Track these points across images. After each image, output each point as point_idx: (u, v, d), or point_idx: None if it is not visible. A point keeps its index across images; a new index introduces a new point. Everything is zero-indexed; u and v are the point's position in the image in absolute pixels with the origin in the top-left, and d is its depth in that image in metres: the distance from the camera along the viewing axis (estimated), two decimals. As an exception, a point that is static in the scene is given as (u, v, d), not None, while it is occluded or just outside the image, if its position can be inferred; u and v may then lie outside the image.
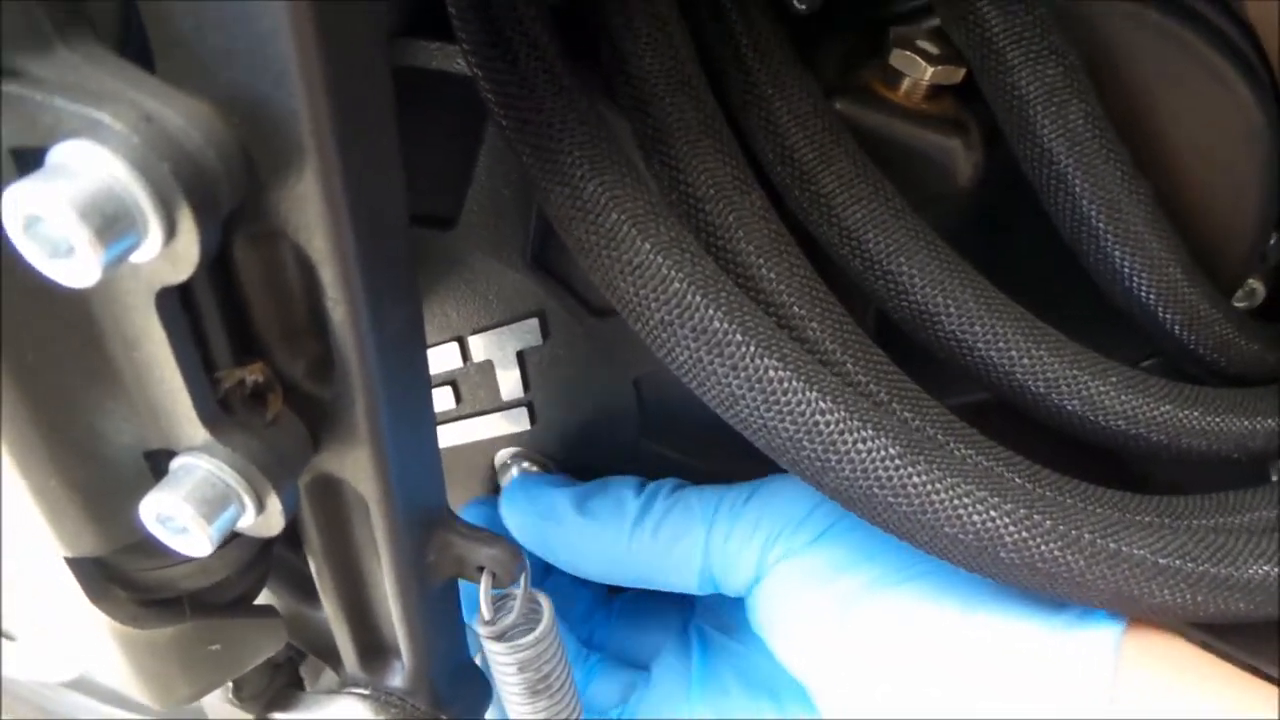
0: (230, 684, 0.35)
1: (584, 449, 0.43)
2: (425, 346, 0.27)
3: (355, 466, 0.26)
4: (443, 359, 0.41)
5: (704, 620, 0.42)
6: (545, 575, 0.43)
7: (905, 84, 0.36)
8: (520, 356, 0.40)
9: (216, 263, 0.22)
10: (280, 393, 0.24)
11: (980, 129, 0.36)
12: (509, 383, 0.41)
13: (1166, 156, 0.38)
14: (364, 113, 0.20)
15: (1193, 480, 0.42)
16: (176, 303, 0.21)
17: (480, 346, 0.40)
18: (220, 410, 0.23)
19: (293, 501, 0.24)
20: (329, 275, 0.21)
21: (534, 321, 0.39)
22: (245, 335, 0.24)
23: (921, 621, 0.33)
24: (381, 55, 0.20)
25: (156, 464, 0.24)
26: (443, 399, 0.43)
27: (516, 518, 0.41)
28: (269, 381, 0.24)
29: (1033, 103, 0.34)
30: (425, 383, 0.27)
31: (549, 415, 0.42)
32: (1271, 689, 0.31)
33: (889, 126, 0.35)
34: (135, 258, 0.18)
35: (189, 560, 0.27)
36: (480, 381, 0.42)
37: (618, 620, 0.45)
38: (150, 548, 0.25)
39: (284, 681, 0.37)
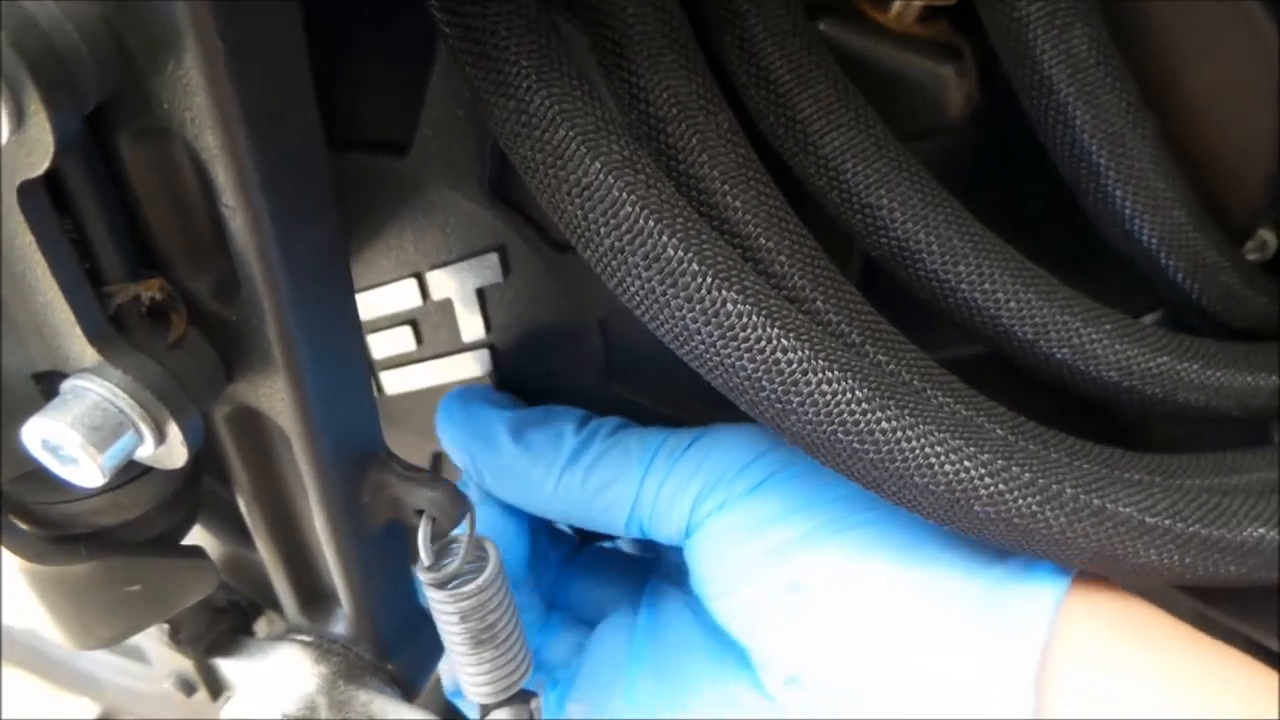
0: (167, 626, 0.34)
1: (549, 393, 0.41)
2: (348, 270, 0.25)
3: (271, 396, 0.24)
4: (401, 297, 0.39)
5: (663, 575, 0.41)
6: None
7: (895, 5, 0.33)
8: (481, 294, 0.38)
9: (102, 163, 0.20)
10: (184, 312, 0.22)
11: (976, 57, 0.34)
12: (470, 323, 0.39)
13: (1178, 94, 0.35)
14: (253, -10, 0.18)
15: (1193, 441, 0.40)
16: (44, 201, 0.18)
17: (439, 283, 0.38)
18: (112, 329, 0.21)
19: (197, 431, 0.22)
20: (222, 177, 0.19)
21: (494, 256, 0.36)
22: (142, 247, 0.22)
23: (854, 575, 0.31)
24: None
25: (48, 387, 0.22)
26: (403, 340, 0.41)
27: (450, 433, 0.38)
28: (170, 299, 0.22)
29: (1033, 25, 0.31)
30: (350, 309, 0.25)
31: (512, 358, 0.40)
32: (1222, 649, 0.30)
33: (875, 50, 0.33)
34: (-19, 144, 0.16)
35: (97, 493, 0.25)
36: (441, 321, 0.40)
37: (582, 576, 0.43)
38: (52, 479, 0.23)
39: (226, 626, 0.35)
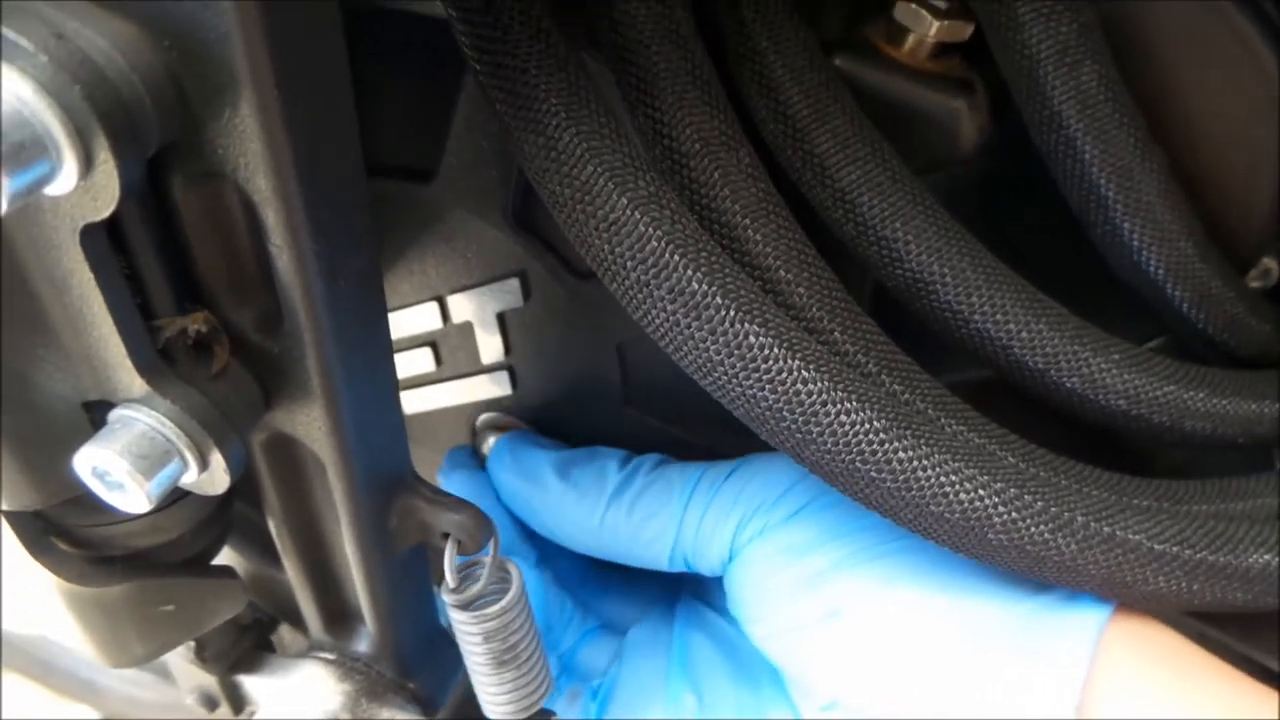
0: (193, 644, 0.34)
1: (567, 416, 0.42)
2: (384, 301, 0.26)
3: (309, 425, 0.25)
4: (422, 319, 0.40)
5: (690, 596, 0.41)
6: (540, 546, 0.42)
7: (910, 40, 0.34)
8: (501, 318, 0.39)
9: (155, 203, 0.21)
10: (227, 344, 0.23)
11: (987, 91, 0.34)
12: (490, 345, 0.40)
13: (1182, 125, 0.36)
14: (307, 41, 0.19)
15: (1197, 466, 0.41)
16: (104, 242, 0.19)
17: (460, 306, 0.39)
18: (160, 360, 0.22)
19: (239, 459, 0.23)
20: (272, 219, 0.20)
21: (515, 281, 0.37)
22: (189, 282, 0.22)
23: (892, 602, 0.31)
24: (328, -20, 0.19)
25: (97, 416, 0.23)
26: (422, 360, 0.42)
27: (500, 476, 0.40)
28: (214, 331, 0.23)
29: (1044, 62, 0.32)
30: (385, 340, 0.26)
31: (531, 380, 0.41)
32: (1257, 687, 0.30)
33: (890, 85, 0.33)
34: (51, 190, 0.17)
35: (138, 516, 0.26)
36: (460, 343, 0.41)
37: (612, 590, 0.44)
38: (94, 503, 0.24)
39: (250, 643, 0.36)
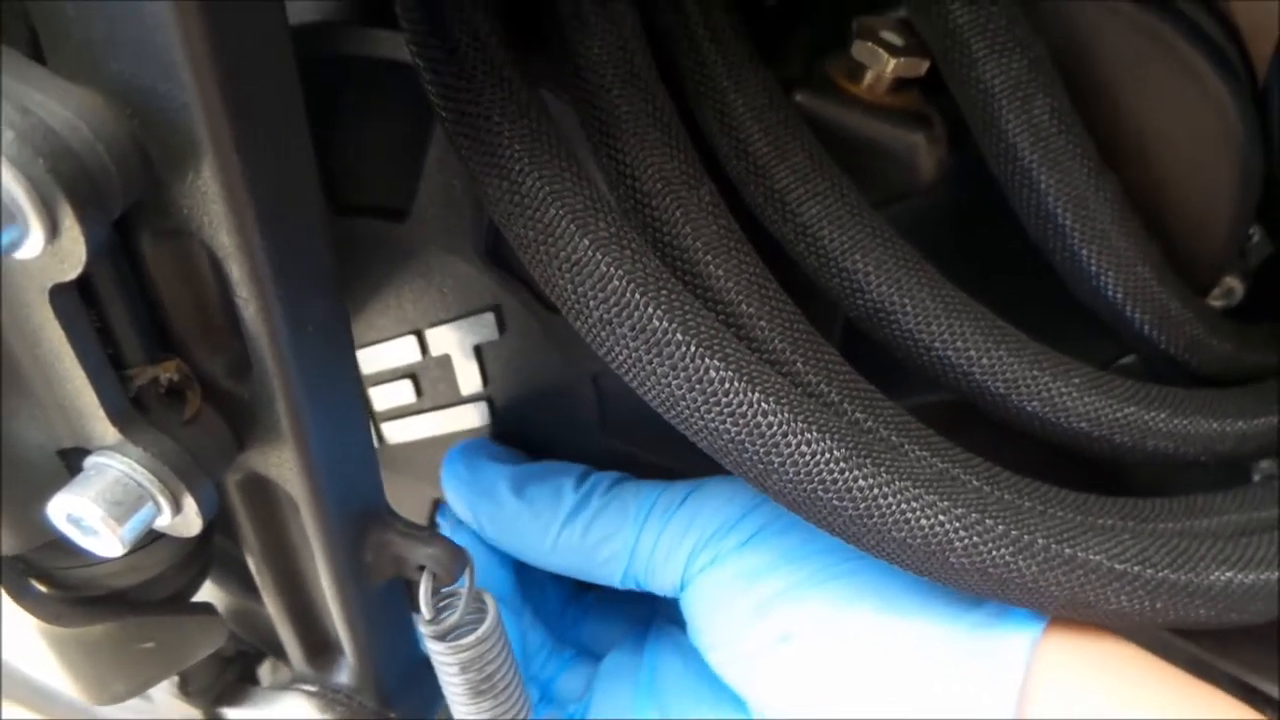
0: (177, 678, 0.35)
1: (546, 445, 0.42)
2: (351, 341, 0.26)
3: (280, 466, 0.25)
4: (401, 352, 0.41)
5: (664, 619, 0.42)
6: (517, 573, 0.43)
7: (868, 76, 0.35)
8: (478, 350, 0.40)
9: (126, 258, 0.22)
10: (198, 391, 0.24)
11: (945, 124, 0.35)
12: (468, 377, 0.41)
13: (1137, 153, 0.37)
14: (265, 105, 0.20)
15: (1175, 478, 0.42)
16: (74, 300, 0.20)
17: (438, 340, 0.40)
18: (133, 409, 0.23)
19: (212, 502, 0.24)
20: (237, 272, 0.21)
21: (490, 315, 0.38)
22: (160, 332, 0.23)
23: (840, 625, 0.32)
24: (285, 45, 0.20)
25: (73, 462, 0.24)
26: (404, 392, 0.42)
27: (454, 487, 0.40)
28: (186, 379, 0.24)
29: (998, 96, 0.33)
30: (354, 378, 0.27)
31: (509, 411, 0.42)
32: (1199, 686, 0.31)
33: (849, 120, 0.34)
34: (19, 255, 0.18)
35: (116, 558, 0.27)
36: (440, 375, 0.41)
37: (591, 615, 0.45)
38: (71, 546, 0.24)
39: (234, 676, 0.37)
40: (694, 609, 0.35)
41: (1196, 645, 0.42)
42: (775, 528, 0.34)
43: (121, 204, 0.19)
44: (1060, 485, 0.34)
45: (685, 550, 0.35)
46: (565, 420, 0.41)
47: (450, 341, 0.40)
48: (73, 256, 0.18)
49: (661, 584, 0.36)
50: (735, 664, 0.34)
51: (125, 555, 0.26)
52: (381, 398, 0.43)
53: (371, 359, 0.41)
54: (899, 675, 0.31)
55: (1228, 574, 0.32)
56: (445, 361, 0.40)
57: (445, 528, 0.43)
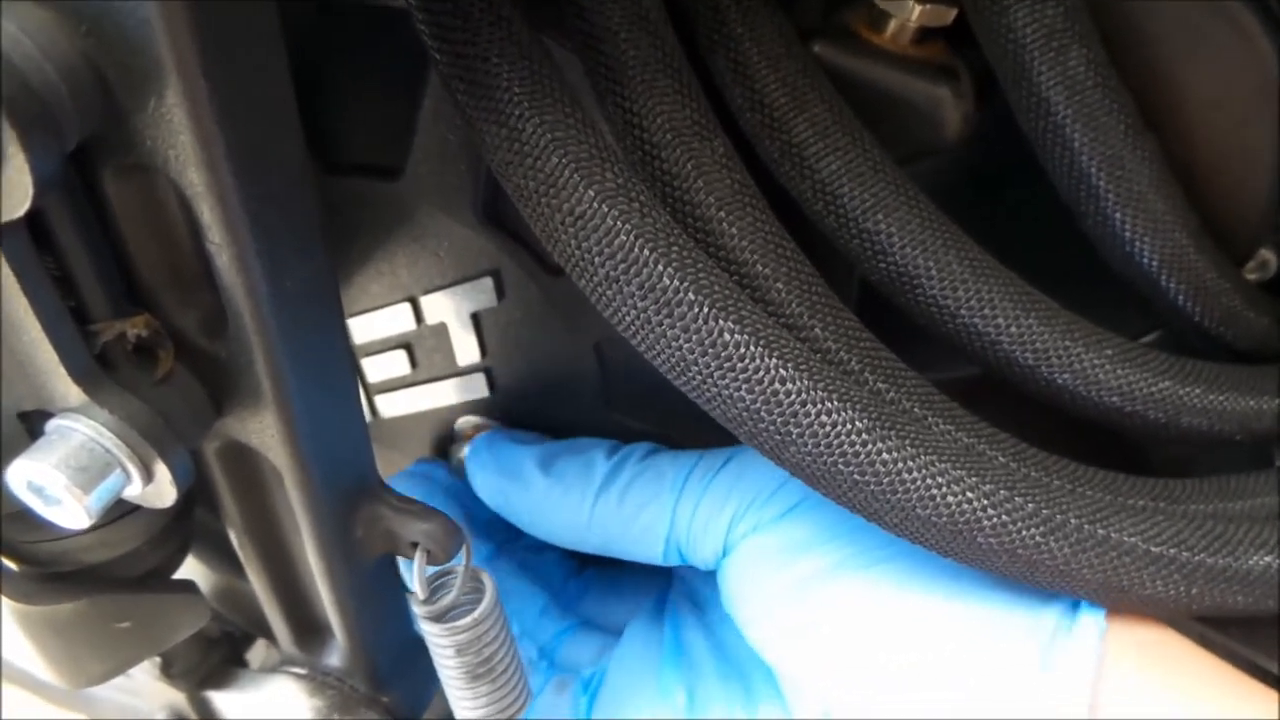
0: (159, 659, 0.33)
1: (547, 419, 0.40)
2: (338, 300, 0.24)
3: (262, 433, 0.24)
4: (395, 321, 0.39)
5: (679, 595, 0.40)
6: (515, 539, 0.41)
7: (891, 26, 0.33)
8: (476, 318, 0.38)
9: (86, 199, 0.20)
10: (170, 348, 0.22)
11: (972, 77, 0.33)
12: (465, 346, 0.39)
13: (1178, 115, 0.35)
14: (237, 28, 0.18)
15: (1197, 460, 0.40)
16: (24, 241, 0.18)
17: (434, 307, 0.38)
18: (98, 367, 0.21)
19: (186, 470, 0.22)
20: (207, 215, 0.19)
21: (488, 281, 0.36)
22: (127, 283, 0.21)
23: (884, 610, 0.30)
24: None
25: (35, 426, 0.22)
26: (398, 363, 0.41)
27: (480, 477, 0.38)
28: (156, 335, 0.22)
29: (1030, 46, 0.31)
30: (341, 340, 0.25)
31: (508, 382, 0.40)
32: (1259, 688, 0.29)
33: (871, 72, 0.32)
34: (-41, 187, 0.16)
35: (86, 531, 0.25)
36: (435, 345, 0.39)
37: (593, 590, 0.43)
38: (37, 518, 0.22)
39: (220, 658, 0.35)
40: (733, 579, 0.33)
41: (1225, 635, 0.40)
42: (816, 499, 0.32)
43: (77, 133, 0.17)
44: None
45: (727, 516, 0.33)
46: (568, 393, 0.39)
47: (446, 309, 0.38)
48: (18, 189, 0.16)
49: (703, 553, 0.34)
50: (776, 641, 0.32)
51: (96, 528, 0.25)
52: (374, 369, 0.41)
53: (363, 328, 0.39)
54: (955, 665, 0.29)
55: (1266, 559, 0.31)
56: (441, 330, 0.39)
57: None
